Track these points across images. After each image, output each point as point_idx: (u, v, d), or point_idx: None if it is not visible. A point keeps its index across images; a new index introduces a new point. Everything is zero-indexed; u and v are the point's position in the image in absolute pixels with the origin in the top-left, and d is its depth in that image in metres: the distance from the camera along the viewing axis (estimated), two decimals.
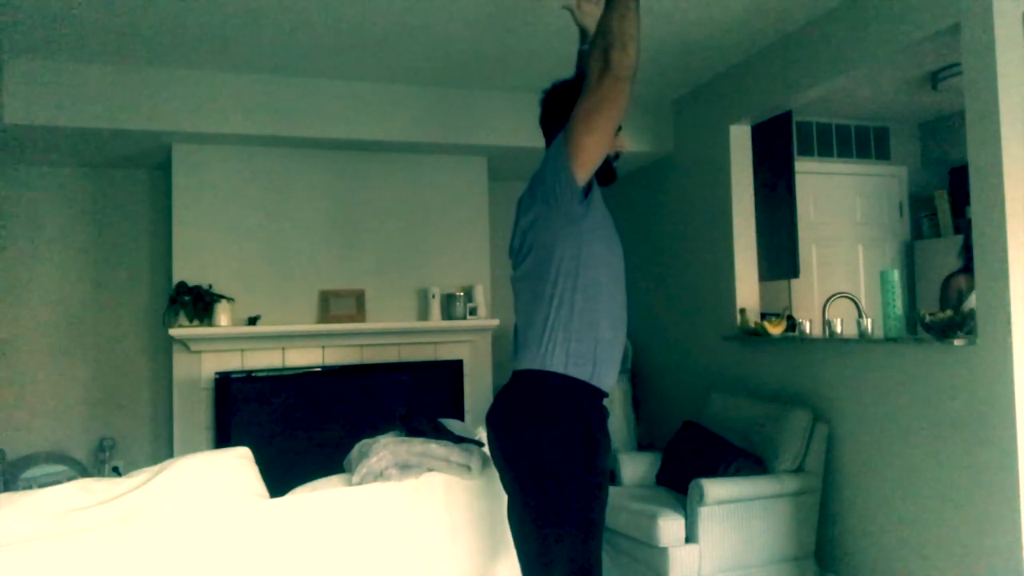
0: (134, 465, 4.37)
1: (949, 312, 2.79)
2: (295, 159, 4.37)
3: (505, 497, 1.91)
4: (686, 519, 3.07)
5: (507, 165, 4.89)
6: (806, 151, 4.88)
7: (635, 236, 5.22)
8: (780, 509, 3.18)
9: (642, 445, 4.90)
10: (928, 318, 2.82)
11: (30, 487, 3.56)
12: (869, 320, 3.26)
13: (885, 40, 3.06)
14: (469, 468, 2.24)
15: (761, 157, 4.15)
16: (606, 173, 1.98)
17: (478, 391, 4.67)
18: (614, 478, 3.73)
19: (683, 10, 3.33)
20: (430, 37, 3.58)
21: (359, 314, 4.40)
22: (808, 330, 3.57)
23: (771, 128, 4.13)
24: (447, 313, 4.54)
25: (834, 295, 3.83)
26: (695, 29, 3.54)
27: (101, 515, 1.79)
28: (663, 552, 3.03)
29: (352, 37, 3.56)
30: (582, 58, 2.20)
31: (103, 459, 4.39)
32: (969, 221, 2.72)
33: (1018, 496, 2.50)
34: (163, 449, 4.55)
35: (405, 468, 2.17)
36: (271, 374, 4.28)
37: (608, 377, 1.87)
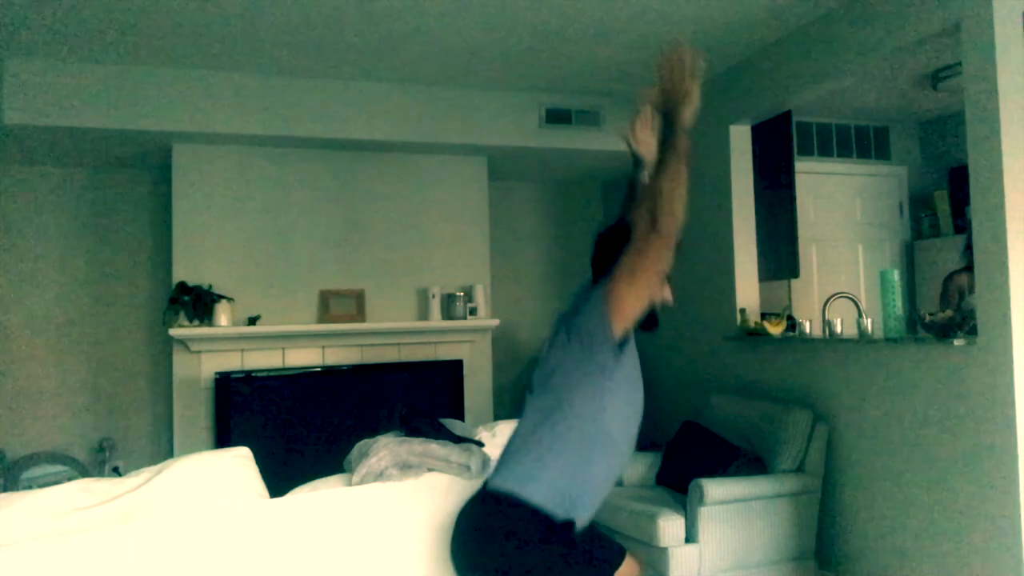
0: (134, 465, 4.36)
1: (949, 312, 2.79)
2: (295, 159, 4.37)
3: None
4: (686, 519, 3.07)
5: (507, 165, 4.89)
6: (806, 151, 4.88)
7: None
8: (780, 509, 3.18)
9: (642, 445, 4.88)
10: (928, 318, 2.82)
11: (30, 487, 3.56)
12: (869, 320, 3.26)
13: (885, 40, 3.06)
14: (469, 468, 2.24)
15: (761, 157, 4.15)
16: (649, 320, 1.97)
17: (478, 391, 4.67)
18: None
19: (683, 10, 3.33)
20: (430, 37, 3.58)
21: (359, 314, 4.39)
22: (808, 330, 3.57)
23: (771, 128, 4.13)
24: (447, 313, 4.54)
25: (834, 295, 3.83)
26: (694, 29, 3.54)
27: (101, 515, 1.79)
28: (663, 552, 3.03)
29: (353, 37, 3.56)
30: (632, 187, 2.23)
31: (103, 459, 4.39)
32: (970, 220, 2.72)
33: (1018, 496, 2.50)
34: (163, 449, 4.55)
35: (405, 468, 2.17)
36: (271, 374, 4.28)
37: (586, 514, 1.83)
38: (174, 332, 3.97)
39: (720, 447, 3.36)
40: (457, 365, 4.63)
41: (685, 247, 4.70)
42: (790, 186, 4.12)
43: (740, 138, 4.10)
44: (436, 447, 2.23)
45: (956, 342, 2.69)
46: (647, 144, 2.13)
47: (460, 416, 4.55)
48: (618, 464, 1.89)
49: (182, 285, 4.08)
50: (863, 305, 3.88)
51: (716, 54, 3.88)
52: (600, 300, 1.80)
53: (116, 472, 4.33)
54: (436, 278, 4.60)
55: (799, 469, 3.26)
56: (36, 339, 4.44)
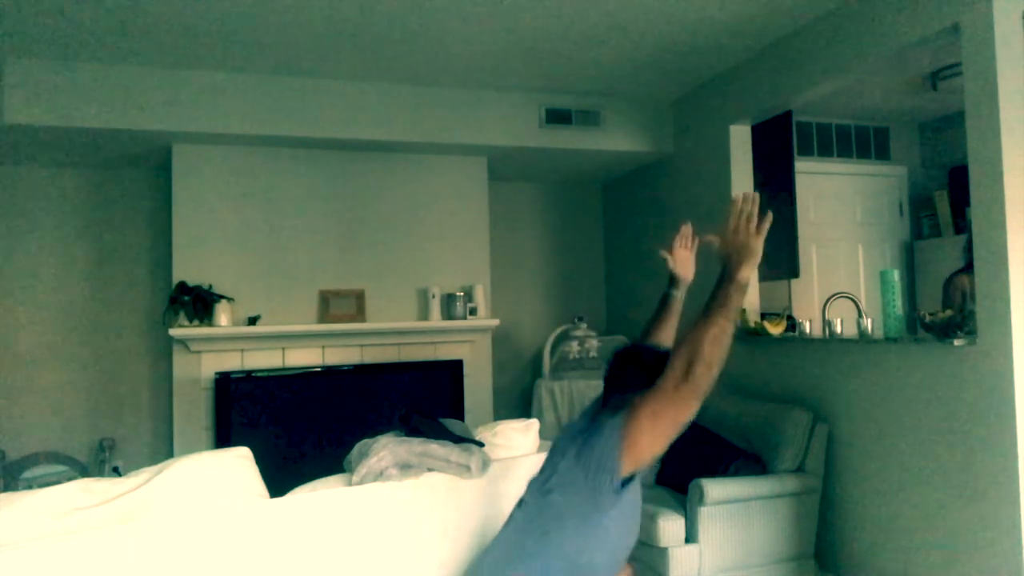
0: (134, 465, 4.36)
1: (949, 312, 2.79)
2: (296, 159, 4.37)
3: (505, 496, 1.90)
4: (686, 519, 3.07)
5: (507, 165, 4.89)
6: (806, 151, 4.88)
7: (635, 236, 5.22)
8: (780, 509, 3.18)
9: None
10: (928, 318, 2.82)
11: (30, 487, 3.56)
12: (869, 320, 3.26)
13: (885, 40, 3.06)
14: (469, 468, 2.24)
15: (761, 157, 4.15)
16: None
17: (478, 391, 4.67)
18: None
19: (683, 10, 3.33)
20: (430, 37, 3.58)
21: (359, 314, 4.40)
22: (808, 330, 3.57)
23: (771, 128, 4.13)
24: (447, 313, 4.54)
25: (834, 295, 3.83)
26: (695, 29, 3.54)
27: (101, 515, 1.79)
28: (663, 552, 3.03)
29: (352, 37, 3.56)
30: (664, 303, 2.24)
31: (103, 459, 4.39)
32: (970, 220, 2.72)
33: (1018, 496, 2.50)
34: (163, 449, 4.55)
35: (405, 468, 2.17)
36: (271, 374, 4.28)
37: None
38: (174, 332, 3.97)
39: (720, 447, 3.36)
40: (457, 365, 4.63)
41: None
42: (790, 186, 4.12)
43: (740, 138, 4.10)
44: (436, 447, 2.23)
45: (956, 342, 2.69)
46: (685, 263, 2.14)
47: (460, 416, 4.55)
48: None
49: (182, 285, 4.08)
50: (863, 305, 3.88)
51: (716, 54, 3.89)
52: (614, 434, 1.70)
53: (116, 472, 4.33)
54: (436, 278, 4.60)
55: (799, 469, 3.26)
56: (36, 339, 4.44)
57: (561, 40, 3.63)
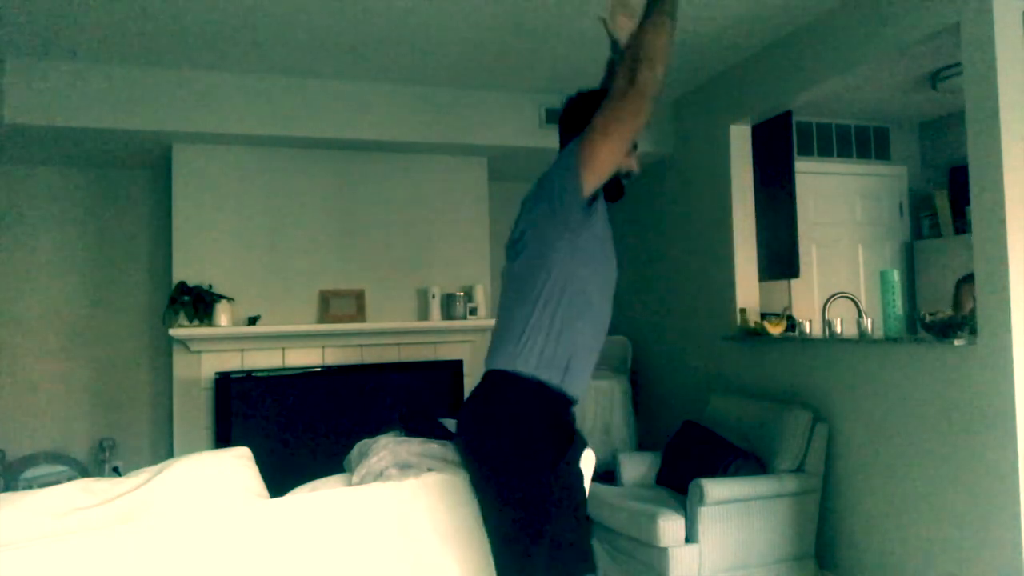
0: (134, 465, 4.37)
1: (949, 312, 2.79)
2: (295, 159, 4.37)
3: None
4: (686, 519, 3.07)
5: (507, 165, 4.89)
6: (806, 151, 4.88)
7: (635, 236, 5.22)
8: (780, 509, 3.18)
9: (642, 445, 4.90)
10: (928, 318, 2.82)
11: (30, 487, 3.56)
12: (869, 320, 3.26)
13: (885, 40, 3.06)
14: None
15: (761, 157, 4.15)
16: (614, 189, 1.98)
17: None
18: (614, 478, 3.74)
19: (683, 10, 3.31)
20: (430, 37, 3.58)
21: (359, 314, 4.40)
22: (808, 330, 3.57)
23: (771, 128, 4.13)
24: (447, 313, 4.54)
25: (834, 295, 3.83)
26: (695, 29, 3.54)
27: (101, 515, 1.79)
28: (663, 552, 3.03)
29: (352, 37, 3.56)
30: (611, 68, 2.20)
31: (103, 459, 4.39)
32: (970, 221, 2.72)
33: (1018, 495, 2.50)
34: (163, 449, 4.55)
35: (405, 468, 2.17)
36: (271, 374, 4.28)
37: (579, 386, 1.85)
38: (174, 332, 3.97)
39: (720, 447, 3.36)
40: (457, 365, 4.63)
41: (685, 247, 4.69)
42: (790, 186, 4.12)
43: (740, 138, 4.10)
44: (436, 447, 2.23)
45: (956, 342, 2.69)
46: (625, 28, 2.08)
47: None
48: (601, 327, 1.90)
49: (182, 285, 4.08)
50: (863, 305, 3.89)
51: (716, 54, 3.89)
52: (571, 155, 1.78)
53: (116, 472, 4.33)
54: (436, 278, 4.60)
55: (799, 469, 3.27)
56: (36, 339, 4.44)
57: (561, 40, 3.63)
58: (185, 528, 1.85)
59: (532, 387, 1.78)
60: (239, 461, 2.05)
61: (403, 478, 2.16)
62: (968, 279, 3.51)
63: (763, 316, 3.96)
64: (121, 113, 3.79)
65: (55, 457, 4.24)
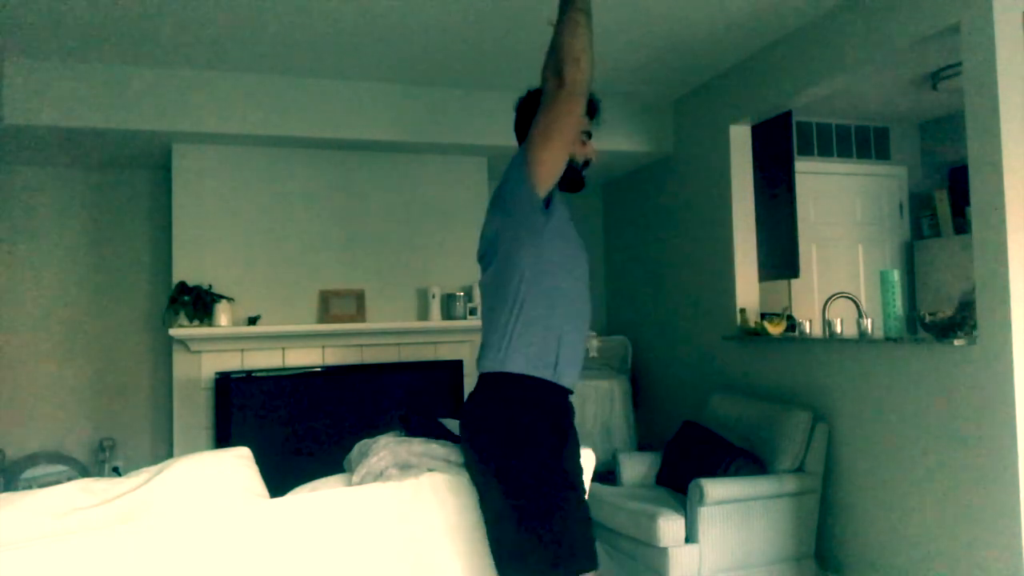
0: (134, 465, 4.37)
1: (949, 312, 2.79)
2: (295, 159, 4.37)
3: None
4: (686, 519, 3.07)
5: (507, 165, 4.88)
6: (806, 151, 4.88)
7: (635, 236, 5.22)
8: (780, 509, 3.18)
9: (642, 445, 4.90)
10: (928, 318, 2.82)
11: (30, 487, 3.56)
12: (869, 320, 3.26)
13: (885, 40, 3.06)
14: None
15: (761, 157, 4.15)
16: (573, 182, 2.03)
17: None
18: (614, 478, 3.74)
19: (683, 10, 3.33)
20: (430, 37, 3.58)
21: (359, 314, 4.40)
22: (808, 330, 3.57)
23: (771, 128, 4.13)
24: (447, 313, 4.54)
25: (834, 295, 3.83)
26: (695, 29, 3.54)
27: (101, 515, 1.79)
28: (663, 552, 3.03)
29: (352, 37, 3.56)
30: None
31: (103, 459, 4.39)
32: (970, 220, 2.72)
33: (1018, 496, 2.50)
34: (163, 449, 4.55)
35: (405, 468, 2.16)
36: (271, 374, 4.28)
37: (569, 376, 1.89)
38: (174, 332, 3.97)
39: (720, 447, 3.36)
40: (457, 365, 4.63)
41: (685, 247, 4.69)
42: (790, 186, 4.12)
43: (740, 138, 4.10)
44: (436, 447, 2.23)
45: (956, 342, 2.69)
46: None
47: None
48: (581, 316, 1.94)
49: (182, 285, 4.08)
50: (863, 305, 3.89)
51: (716, 54, 3.89)
52: (519, 162, 1.83)
53: (116, 472, 4.33)
54: (436, 278, 4.60)
55: (799, 469, 3.27)
56: (36, 339, 4.44)
57: None
58: (185, 528, 1.85)
59: (526, 381, 1.81)
60: (239, 461, 2.05)
61: (403, 478, 2.16)
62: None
63: (763, 316, 3.96)
64: (121, 113, 3.79)
65: (55, 457, 4.23)
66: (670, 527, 3.02)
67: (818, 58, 3.43)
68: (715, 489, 3.03)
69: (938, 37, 2.88)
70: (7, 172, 4.44)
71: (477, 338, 4.67)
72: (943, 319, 2.77)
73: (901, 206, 5.16)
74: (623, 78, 4.22)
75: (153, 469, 1.94)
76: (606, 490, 3.52)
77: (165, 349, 4.52)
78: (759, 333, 3.72)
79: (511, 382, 1.82)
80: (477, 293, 4.62)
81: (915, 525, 2.95)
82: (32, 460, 4.19)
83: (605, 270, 5.71)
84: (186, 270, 4.14)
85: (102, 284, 4.59)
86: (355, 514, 2.08)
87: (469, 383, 4.65)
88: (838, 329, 3.38)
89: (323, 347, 4.38)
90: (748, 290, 4.05)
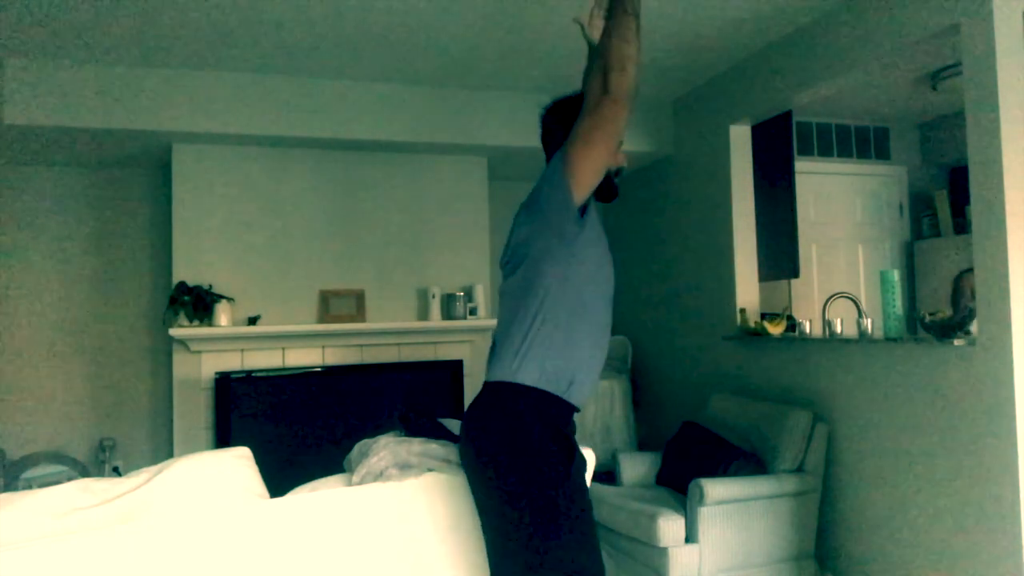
0: (134, 465, 4.37)
1: (949, 312, 2.79)
2: (295, 159, 4.37)
3: None
4: (686, 519, 3.07)
5: (507, 165, 4.89)
6: (806, 151, 4.88)
7: (635, 236, 5.22)
8: (780, 509, 3.18)
9: (642, 445, 4.90)
10: (928, 318, 2.82)
11: (30, 487, 3.56)
12: (869, 320, 3.26)
13: (885, 40, 3.06)
14: None
15: (761, 157, 4.15)
16: (607, 190, 1.97)
17: (478, 391, 4.67)
18: (614, 478, 3.74)
19: (683, 10, 3.33)
20: (430, 37, 3.58)
21: (359, 314, 4.40)
22: (808, 330, 3.57)
23: (771, 128, 4.13)
24: (447, 313, 4.54)
25: (834, 295, 3.83)
26: (695, 29, 3.54)
27: (101, 515, 1.79)
28: (663, 552, 3.03)
29: (352, 37, 3.56)
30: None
31: (103, 459, 4.39)
32: (970, 220, 2.72)
33: (1018, 496, 2.50)
34: (163, 449, 4.55)
35: (405, 468, 2.17)
36: (271, 374, 4.28)
37: (582, 394, 1.84)
38: (174, 332, 3.97)
39: (720, 447, 3.36)
40: (457, 365, 4.63)
41: (685, 248, 4.69)
42: (790, 186, 4.12)
43: (740, 138, 4.10)
44: (436, 447, 2.23)
45: (956, 342, 2.69)
46: (600, 30, 2.09)
47: (460, 416, 4.55)
48: (602, 333, 1.89)
49: (182, 285, 4.08)
50: (863, 305, 3.89)
51: (716, 54, 3.89)
52: (557, 168, 1.80)
53: (116, 472, 4.33)
54: (436, 278, 4.60)
55: (799, 469, 3.27)
56: (36, 339, 4.44)
57: (561, 40, 3.62)
58: (185, 528, 1.85)
59: (535, 394, 1.77)
60: (239, 461, 2.05)
61: (403, 478, 2.16)
62: (965, 273, 3.51)
63: (763, 316, 3.96)
64: (121, 113, 3.79)
65: (55, 457, 4.23)
66: (670, 527, 3.02)
67: (818, 58, 3.43)
68: (715, 489, 3.03)
69: (938, 37, 2.88)
70: (7, 172, 4.44)
71: (477, 338, 4.71)
72: (943, 319, 2.77)
73: (901, 206, 5.16)
74: None
75: (153, 469, 1.94)
76: (606, 490, 3.52)
77: (165, 349, 4.52)
78: (759, 333, 3.72)
79: (520, 394, 1.78)
80: (477, 293, 4.62)
81: (915, 524, 2.95)
82: (32, 460, 4.18)
83: None
84: (186, 270, 4.14)
85: (102, 284, 4.59)
86: (355, 514, 2.08)
87: (469, 383, 4.65)
88: (838, 329, 3.38)
89: (323, 347, 4.38)
90: (748, 290, 4.05)
